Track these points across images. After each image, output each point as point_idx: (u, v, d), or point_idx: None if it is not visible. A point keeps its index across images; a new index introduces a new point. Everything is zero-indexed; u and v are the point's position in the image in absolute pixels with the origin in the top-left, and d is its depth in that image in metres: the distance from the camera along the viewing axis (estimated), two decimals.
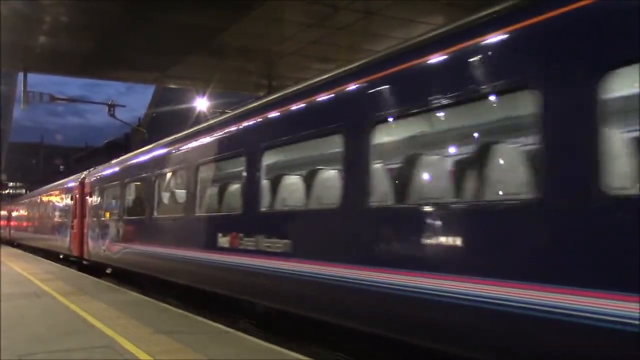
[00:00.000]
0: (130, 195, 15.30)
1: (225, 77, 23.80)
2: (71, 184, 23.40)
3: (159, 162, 13.08)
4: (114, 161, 18.04)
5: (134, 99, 35.99)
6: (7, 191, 79.08)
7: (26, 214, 37.36)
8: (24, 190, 75.76)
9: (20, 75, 24.85)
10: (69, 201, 22.89)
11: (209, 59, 21.46)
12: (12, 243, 40.38)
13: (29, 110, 26.02)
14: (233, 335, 8.02)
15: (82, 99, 71.23)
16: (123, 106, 26.93)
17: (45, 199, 30.41)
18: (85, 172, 22.10)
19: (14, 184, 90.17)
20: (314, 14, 16.89)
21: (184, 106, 28.49)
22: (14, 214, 44.11)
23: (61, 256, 23.78)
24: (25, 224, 37.51)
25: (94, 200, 18.68)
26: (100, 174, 18.75)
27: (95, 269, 18.26)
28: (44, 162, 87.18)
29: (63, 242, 23.08)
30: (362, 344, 6.74)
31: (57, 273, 17.74)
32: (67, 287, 13.63)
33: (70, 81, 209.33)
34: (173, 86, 29.65)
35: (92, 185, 19.27)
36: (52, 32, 19.11)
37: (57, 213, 26.09)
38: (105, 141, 53.41)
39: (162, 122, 37.02)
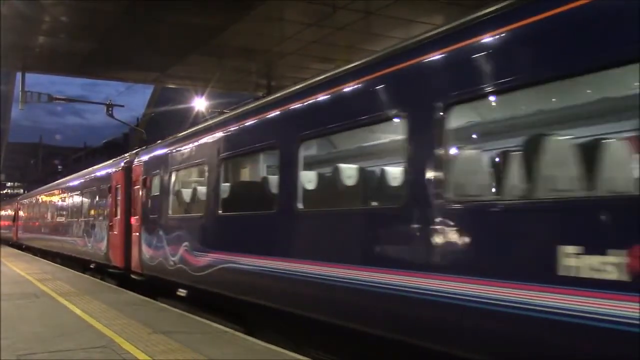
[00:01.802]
0: (234, 180, 10.45)
1: (224, 77, 23.80)
2: (107, 172, 17.67)
3: (297, 121, 7.84)
4: (190, 131, 12.25)
5: (133, 99, 36.00)
6: (5, 191, 78.95)
7: (38, 212, 31.22)
8: (22, 190, 75.70)
9: (19, 74, 24.81)
10: (103, 194, 17.55)
11: (208, 58, 21.46)
12: (19, 246, 35.52)
13: (27, 110, 26.01)
14: (231, 335, 8.01)
15: (81, 98, 71.32)
16: (122, 106, 26.92)
17: (65, 193, 24.51)
18: (129, 154, 16.92)
19: (13, 184, 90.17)
20: (313, 13, 16.89)
21: (182, 106, 28.48)
22: (22, 212, 37.78)
23: (92, 266, 18.46)
24: (36, 223, 31.18)
25: (152, 190, 13.07)
26: (163, 152, 12.93)
27: (152, 286, 13.00)
28: (42, 162, 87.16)
29: (96, 248, 17.76)
30: (361, 344, 6.71)
31: (55, 273, 17.72)
32: (66, 287, 13.62)
33: (69, 81, 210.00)
34: (172, 86, 29.65)
35: (147, 170, 13.59)
36: (51, 32, 19.09)
37: (84, 210, 20.58)
38: (104, 141, 53.40)
39: (161, 122, 37.03)
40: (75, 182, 22.86)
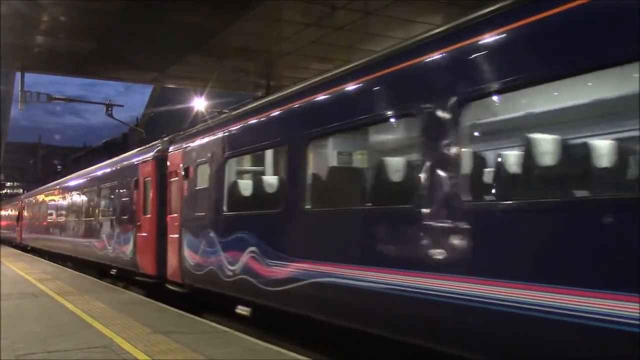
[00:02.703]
0: (337, 164, 7.90)
1: (223, 76, 23.76)
2: (132, 163, 15.22)
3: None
4: (255, 105, 9.99)
5: (132, 99, 36.04)
6: (4, 191, 78.89)
7: (46, 210, 28.27)
8: (21, 190, 75.62)
9: (18, 74, 24.78)
10: (128, 189, 15.16)
11: (207, 58, 21.43)
12: (24, 248, 33.01)
13: (26, 110, 25.88)
14: (231, 335, 8.02)
15: (80, 98, 71.25)
16: (121, 106, 26.91)
17: (79, 189, 21.87)
18: (161, 141, 14.19)
19: (12, 184, 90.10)
20: (312, 13, 16.87)
21: (181, 106, 28.48)
22: (27, 211, 34.57)
23: (113, 271, 16.11)
24: (44, 223, 28.33)
25: (198, 182, 10.80)
26: (213, 136, 10.38)
27: (196, 299, 10.93)
28: (41, 162, 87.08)
29: (118, 252, 15.37)
30: (361, 345, 6.72)
31: (54, 273, 17.72)
32: (66, 287, 13.62)
33: (68, 81, 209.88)
34: (171, 86, 29.64)
35: (190, 159, 11.22)
36: (50, 32, 19.06)
37: (102, 208, 18.24)
38: (103, 141, 53.37)
39: (160, 122, 37.04)
40: (91, 177, 20.17)
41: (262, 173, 9.75)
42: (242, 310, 8.91)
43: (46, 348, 7.08)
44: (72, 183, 23.58)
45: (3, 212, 47.66)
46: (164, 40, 19.41)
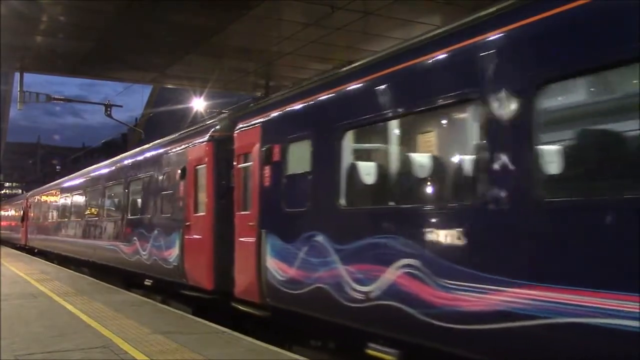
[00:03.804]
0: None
1: (223, 76, 23.75)
2: (178, 149, 12.28)
3: None
4: (395, 50, 6.90)
5: (132, 99, 35.97)
6: (3, 191, 78.85)
7: (58, 209, 25.21)
8: (20, 191, 75.54)
9: (17, 75, 24.78)
10: (170, 181, 12.41)
11: (206, 58, 21.42)
12: (31, 251, 30.13)
13: (25, 110, 25.94)
14: (230, 336, 8.01)
15: (79, 98, 71.34)
16: (120, 106, 26.92)
17: (100, 182, 18.45)
18: (219, 119, 12.06)
19: (11, 184, 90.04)
20: (312, 13, 16.85)
21: (181, 106, 28.48)
22: (34, 210, 31.27)
23: (148, 282, 13.30)
24: (55, 223, 25.22)
25: (286, 167, 8.16)
26: (310, 103, 7.83)
27: (284, 326, 8.34)
28: (41, 163, 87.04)
29: (157, 258, 12.53)
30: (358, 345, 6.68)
31: (53, 273, 17.69)
32: (64, 288, 13.60)
33: (68, 81, 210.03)
34: (171, 86, 29.62)
35: (273, 137, 8.51)
36: (49, 32, 19.04)
37: (133, 204, 15.06)
38: (102, 141, 53.36)
39: (159, 122, 37.01)
40: (116, 169, 17.06)
41: (432, 147, 6.71)
42: (379, 351, 6.14)
43: (45, 348, 7.07)
44: (91, 177, 20.13)
45: (5, 212, 46.10)
46: (163, 40, 19.40)
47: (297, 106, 8.09)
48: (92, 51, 20.55)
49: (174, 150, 12.51)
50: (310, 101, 7.76)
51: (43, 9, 17.03)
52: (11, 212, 42.31)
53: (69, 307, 10.47)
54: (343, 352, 7.30)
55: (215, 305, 10.16)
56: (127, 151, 19.87)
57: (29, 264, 22.10)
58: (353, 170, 6.81)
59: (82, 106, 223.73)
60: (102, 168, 19.14)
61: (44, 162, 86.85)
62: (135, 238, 14.05)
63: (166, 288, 12.38)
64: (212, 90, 25.80)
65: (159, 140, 14.63)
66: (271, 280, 8.06)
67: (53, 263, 22.93)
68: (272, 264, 8.06)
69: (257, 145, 8.83)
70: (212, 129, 10.94)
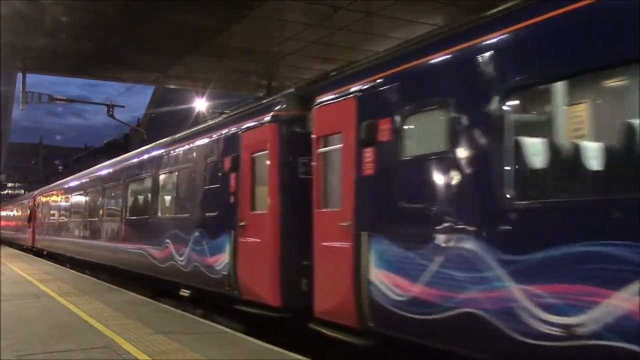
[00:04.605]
0: None
1: (224, 77, 23.81)
2: (227, 133, 10.09)
3: None
4: None
5: (134, 99, 35.98)
6: (5, 191, 78.98)
7: (71, 207, 22.67)
8: (22, 191, 75.64)
9: (19, 75, 24.82)
10: (217, 173, 10.15)
11: (208, 59, 21.47)
12: (39, 253, 27.89)
13: (28, 111, 25.88)
14: (232, 336, 8.00)
15: (81, 99, 71.30)
16: (122, 106, 26.89)
17: (121, 179, 16.20)
18: (282, 95, 9.23)
19: (13, 184, 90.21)
20: (314, 14, 16.87)
21: (183, 106, 28.50)
22: (43, 209, 28.82)
23: (184, 292, 11.17)
24: (68, 224, 22.74)
25: (402, 149, 6.09)
26: (448, 58, 5.67)
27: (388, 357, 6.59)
28: (43, 163, 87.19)
29: (199, 264, 10.37)
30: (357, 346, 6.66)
31: (55, 273, 17.69)
32: (66, 288, 13.60)
33: (70, 81, 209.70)
34: (173, 86, 29.67)
35: (377, 108, 6.48)
36: (51, 33, 19.08)
37: (165, 202, 13.15)
38: (105, 141, 53.39)
39: (161, 123, 37.03)
40: (144, 161, 14.66)
41: None
42: None
43: (47, 348, 7.07)
44: (111, 172, 17.86)
45: (9, 212, 44.67)
46: (165, 41, 19.43)
47: (430, 61, 5.91)
48: (93, 51, 20.61)
49: (219, 136, 10.35)
50: (451, 53, 5.65)
51: (45, 10, 17.06)
52: (16, 212, 40.28)
53: (71, 307, 10.47)
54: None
55: (279, 324, 8.29)
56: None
57: (31, 264, 22.11)
58: (538, 148, 4.91)
59: (84, 106, 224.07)
60: (123, 162, 16.99)
61: (46, 162, 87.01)
62: (168, 241, 11.95)
63: (208, 299, 10.39)
64: (214, 91, 25.83)
65: (196, 128, 12.68)
66: (378, 299, 6.07)
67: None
68: (381, 277, 6.08)
69: (352, 122, 6.75)
70: (276, 107, 8.84)
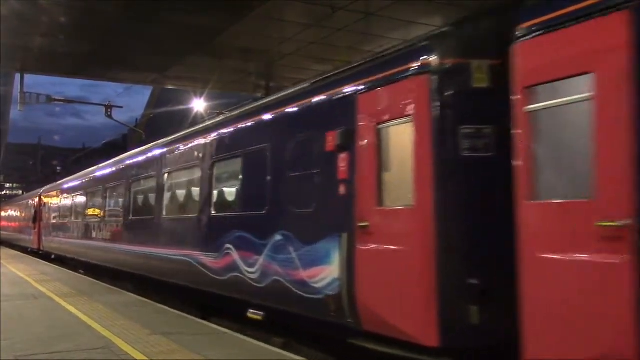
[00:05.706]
0: None
1: (224, 77, 23.76)
2: (333, 95, 7.37)
3: None
4: None
5: (132, 100, 36.02)
6: (3, 192, 78.85)
7: (87, 205, 19.64)
8: (21, 192, 75.50)
9: (17, 75, 24.79)
10: (313, 155, 7.48)
11: (207, 59, 21.42)
12: (46, 256, 25.68)
13: (26, 111, 25.86)
14: (231, 337, 8.00)
15: (80, 99, 71.36)
16: (120, 107, 26.92)
17: (156, 169, 13.19)
18: (429, 37, 6.64)
19: (11, 185, 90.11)
20: (313, 14, 16.85)
21: (181, 107, 28.48)
22: (51, 209, 26.24)
23: (255, 314, 8.69)
24: (83, 224, 19.62)
25: None
26: None
27: None
28: (41, 163, 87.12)
29: (282, 279, 7.79)
30: (357, 347, 6.64)
31: (53, 274, 17.66)
32: (65, 289, 13.58)
33: (68, 82, 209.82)
34: (172, 87, 29.65)
35: None
36: (50, 33, 19.03)
37: (222, 196, 10.31)
38: (103, 142, 53.39)
39: (160, 123, 37.02)
40: (191, 147, 11.57)
41: None
42: None
43: (46, 349, 7.06)
44: (139, 162, 14.87)
45: (9, 212, 42.91)
46: (164, 41, 19.41)
47: None
48: (92, 52, 20.56)
49: (313, 104, 7.87)
50: None
51: (43, 10, 17.03)
52: (18, 212, 37.10)
53: (70, 308, 10.46)
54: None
55: None
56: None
57: (30, 265, 22.08)
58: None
59: (82, 107, 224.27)
60: (155, 149, 13.83)
61: (45, 163, 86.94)
62: (230, 247, 9.25)
63: (296, 326, 8.03)
64: (213, 91, 25.82)
65: (270, 98, 10.41)
66: None
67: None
68: None
69: (621, 51, 4.23)
70: (424, 53, 6.22)
